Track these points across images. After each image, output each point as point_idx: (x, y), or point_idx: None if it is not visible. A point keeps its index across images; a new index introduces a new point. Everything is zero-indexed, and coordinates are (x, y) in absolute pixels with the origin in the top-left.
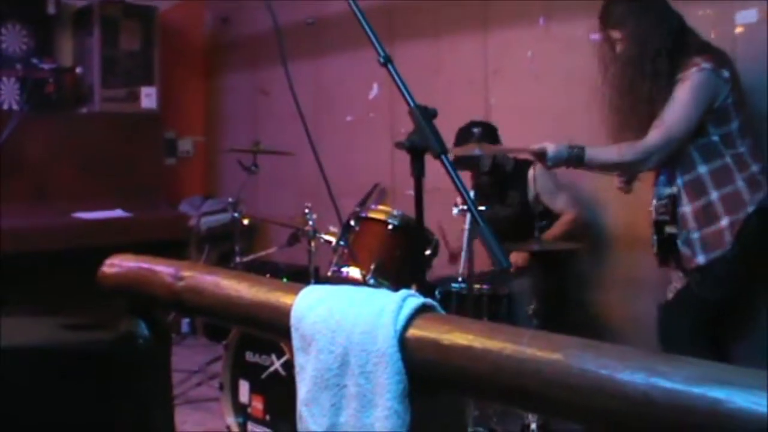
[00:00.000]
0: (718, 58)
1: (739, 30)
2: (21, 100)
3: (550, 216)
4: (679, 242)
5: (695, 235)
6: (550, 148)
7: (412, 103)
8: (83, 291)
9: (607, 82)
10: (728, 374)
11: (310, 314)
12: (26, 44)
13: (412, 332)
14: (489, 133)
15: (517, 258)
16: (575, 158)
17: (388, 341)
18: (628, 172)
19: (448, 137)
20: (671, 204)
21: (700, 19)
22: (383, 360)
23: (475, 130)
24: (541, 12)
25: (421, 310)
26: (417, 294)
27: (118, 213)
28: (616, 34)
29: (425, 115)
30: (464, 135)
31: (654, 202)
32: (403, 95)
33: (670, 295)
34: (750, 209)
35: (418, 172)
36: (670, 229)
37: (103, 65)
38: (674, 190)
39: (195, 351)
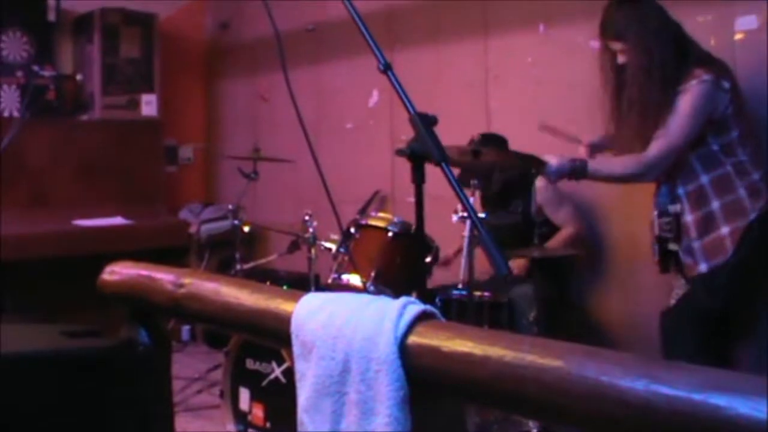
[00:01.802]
0: (719, 68)
1: (738, 36)
2: (21, 107)
3: (551, 226)
4: (680, 251)
5: (696, 244)
6: (553, 162)
7: (412, 111)
8: (83, 298)
9: (608, 92)
10: (729, 381)
11: (311, 321)
12: (26, 51)
13: (413, 339)
14: (496, 145)
15: (515, 266)
16: (578, 172)
17: (389, 348)
18: (630, 183)
19: (449, 143)
20: (675, 222)
21: (699, 26)
22: (384, 367)
23: (474, 137)
24: (542, 18)
25: (421, 317)
26: (417, 301)
27: (118, 220)
28: (616, 45)
29: (425, 123)
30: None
31: (655, 213)
32: (403, 102)
33: (672, 302)
34: (752, 216)
35: (418, 179)
36: (673, 246)
37: (103, 72)
38: (678, 207)
39: (196, 358)
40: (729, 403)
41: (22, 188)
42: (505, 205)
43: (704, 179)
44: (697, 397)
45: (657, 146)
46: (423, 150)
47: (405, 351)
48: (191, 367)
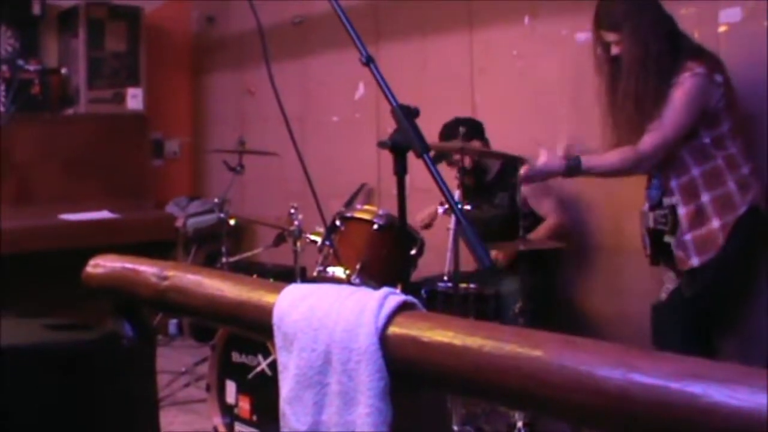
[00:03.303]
0: (711, 62)
1: (722, 29)
2: (6, 102)
3: (536, 218)
4: (672, 245)
5: (688, 237)
6: (543, 159)
7: (394, 103)
8: (70, 292)
9: (603, 84)
10: (705, 369)
11: (293, 313)
12: (11, 45)
13: (393, 330)
14: (474, 129)
15: (499, 255)
16: (571, 169)
17: (369, 339)
18: (623, 176)
19: (434, 136)
20: (671, 214)
21: (683, 18)
22: (364, 358)
23: (461, 129)
24: (527, 11)
25: (402, 308)
26: (398, 292)
27: (104, 214)
28: (611, 37)
29: (407, 115)
30: (449, 132)
31: (647, 205)
32: (386, 95)
33: (663, 296)
34: (741, 210)
35: (400, 171)
36: (668, 239)
37: (88, 66)
38: (673, 200)
39: (182, 352)
40: (705, 391)
41: (7, 183)
42: (490, 198)
43: (695, 171)
44: (674, 385)
45: (650, 138)
46: (405, 142)
47: (385, 341)
48: (178, 360)
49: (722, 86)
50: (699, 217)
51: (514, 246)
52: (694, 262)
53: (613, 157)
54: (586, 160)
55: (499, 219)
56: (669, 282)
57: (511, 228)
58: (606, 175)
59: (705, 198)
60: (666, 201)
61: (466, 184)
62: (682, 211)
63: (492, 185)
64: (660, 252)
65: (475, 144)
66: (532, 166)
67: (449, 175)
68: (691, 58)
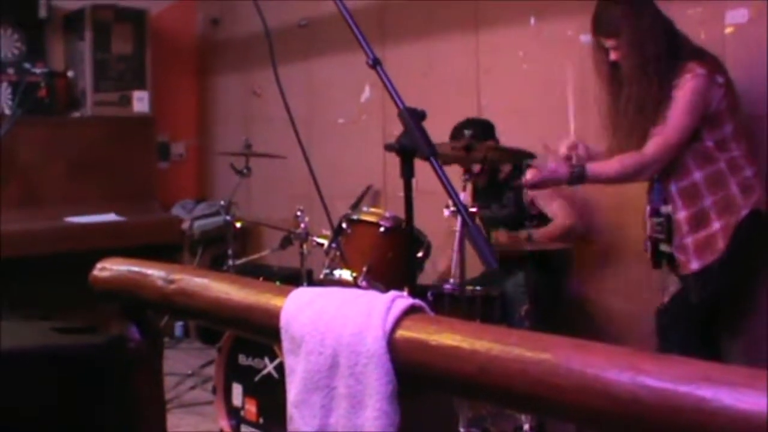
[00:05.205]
0: (712, 63)
1: (729, 30)
2: (13, 105)
3: (544, 219)
4: (673, 249)
5: (689, 240)
6: (551, 165)
7: (401, 105)
8: (76, 295)
9: (603, 89)
10: (714, 372)
11: (300, 316)
12: (18, 48)
13: (401, 333)
14: (484, 131)
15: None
16: (576, 178)
17: (377, 342)
18: (628, 182)
19: (440, 138)
20: (666, 223)
21: (689, 19)
22: (372, 361)
23: (467, 131)
24: (532, 12)
25: (409, 311)
26: (405, 295)
27: (111, 217)
28: (609, 42)
29: (414, 117)
30: (459, 133)
31: (648, 209)
32: (392, 97)
33: (666, 299)
34: (743, 213)
35: (407, 173)
36: (665, 248)
37: (94, 69)
38: (669, 208)
39: (189, 354)
40: (714, 394)
41: (14, 186)
42: (500, 197)
43: (697, 176)
44: (683, 388)
45: (654, 143)
46: (411, 144)
47: (393, 345)
48: (184, 363)
49: (723, 87)
50: (700, 221)
51: (521, 245)
52: (694, 265)
53: (618, 163)
54: (591, 168)
55: (507, 219)
56: (672, 285)
57: (519, 227)
58: (612, 182)
59: (707, 201)
60: (663, 209)
61: (478, 184)
62: (682, 214)
63: (502, 184)
64: (661, 256)
65: (489, 144)
66: (540, 172)
67: (459, 174)
68: (692, 60)
